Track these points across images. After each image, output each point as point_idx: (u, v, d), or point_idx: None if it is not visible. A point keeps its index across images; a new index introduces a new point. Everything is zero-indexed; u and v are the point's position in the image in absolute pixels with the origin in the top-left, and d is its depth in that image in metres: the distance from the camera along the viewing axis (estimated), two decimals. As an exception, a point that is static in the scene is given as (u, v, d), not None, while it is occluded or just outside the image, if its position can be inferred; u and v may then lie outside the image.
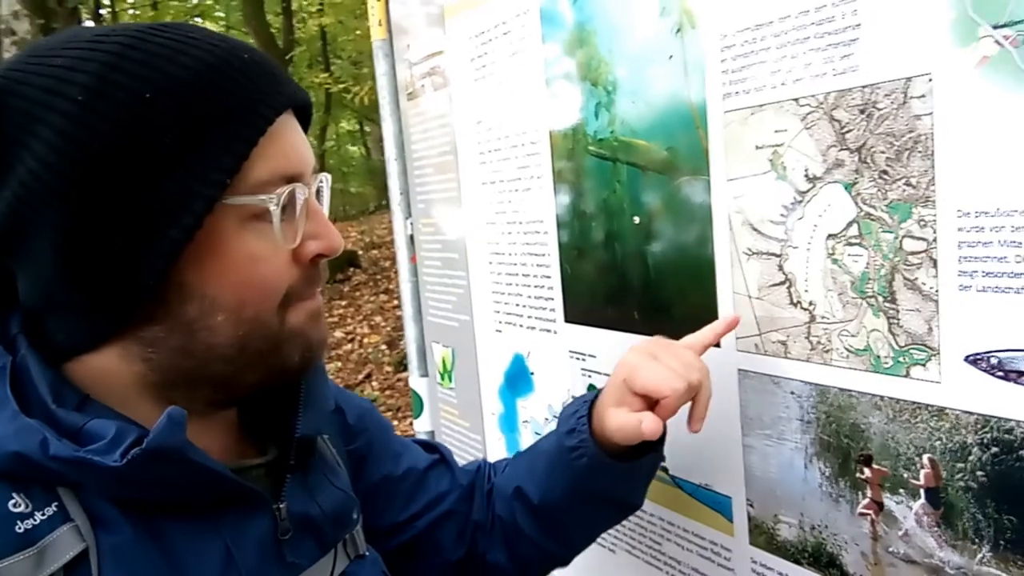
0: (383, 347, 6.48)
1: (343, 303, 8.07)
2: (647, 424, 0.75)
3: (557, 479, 0.85)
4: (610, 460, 0.81)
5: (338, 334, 7.06)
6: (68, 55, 0.58)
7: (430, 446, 0.98)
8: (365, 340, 6.77)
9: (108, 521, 0.58)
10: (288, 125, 0.64)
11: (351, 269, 9.26)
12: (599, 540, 1.15)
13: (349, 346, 6.75)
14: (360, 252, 10.24)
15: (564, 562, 0.96)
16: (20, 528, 0.55)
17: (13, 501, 0.55)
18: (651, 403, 0.78)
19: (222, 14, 15.15)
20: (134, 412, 0.63)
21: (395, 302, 7.44)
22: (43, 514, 0.56)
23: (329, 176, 0.74)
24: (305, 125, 0.70)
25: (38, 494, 0.57)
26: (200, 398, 0.65)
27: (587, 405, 0.84)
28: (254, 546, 0.65)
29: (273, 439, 0.73)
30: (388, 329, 6.86)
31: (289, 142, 0.64)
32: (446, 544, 0.91)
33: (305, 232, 0.65)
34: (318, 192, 0.70)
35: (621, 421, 0.78)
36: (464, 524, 0.92)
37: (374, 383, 5.86)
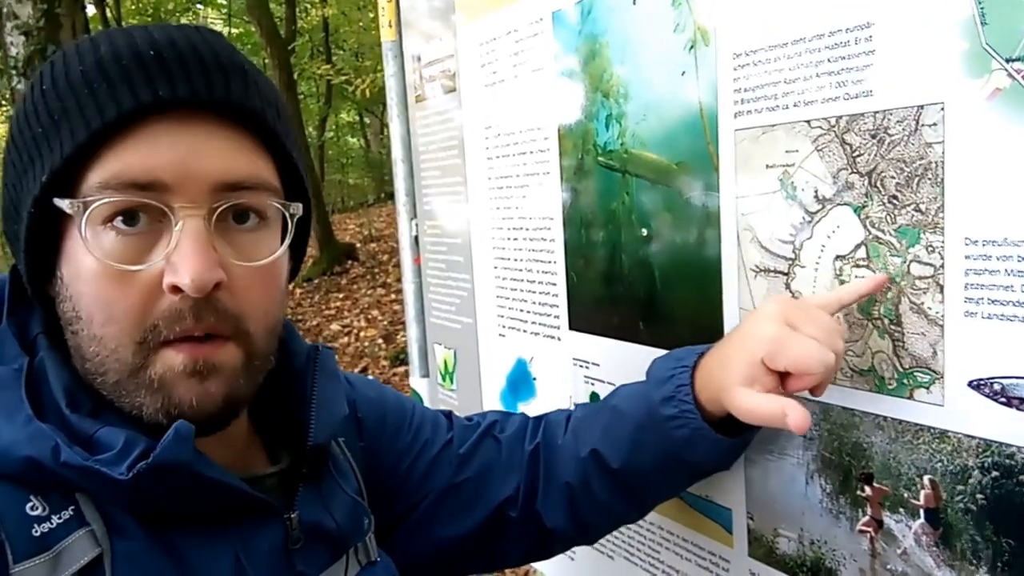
0: (379, 341, 6.48)
1: (340, 296, 8.07)
2: (796, 420, 0.67)
3: (646, 446, 0.81)
4: (716, 435, 0.76)
5: (335, 327, 7.06)
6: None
7: (446, 416, 0.96)
8: (362, 334, 6.77)
9: (123, 527, 0.58)
10: (169, 132, 0.57)
11: (349, 262, 9.27)
12: (597, 546, 1.16)
13: (345, 339, 6.76)
14: (358, 245, 10.24)
15: (634, 521, 0.96)
16: (36, 532, 0.55)
17: (31, 504, 0.56)
18: (783, 376, 0.72)
19: (224, 1, 15.10)
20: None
21: (392, 296, 7.44)
22: (60, 518, 0.56)
23: (285, 205, 0.64)
24: (262, 131, 0.62)
25: (56, 498, 0.57)
26: None
27: (687, 372, 0.78)
28: (264, 556, 0.65)
29: (286, 447, 0.73)
30: (385, 323, 6.86)
31: (153, 149, 0.57)
32: (453, 515, 0.89)
33: (169, 259, 0.57)
34: (243, 216, 0.61)
35: (754, 404, 0.70)
36: (473, 495, 0.89)
37: (369, 377, 5.86)
